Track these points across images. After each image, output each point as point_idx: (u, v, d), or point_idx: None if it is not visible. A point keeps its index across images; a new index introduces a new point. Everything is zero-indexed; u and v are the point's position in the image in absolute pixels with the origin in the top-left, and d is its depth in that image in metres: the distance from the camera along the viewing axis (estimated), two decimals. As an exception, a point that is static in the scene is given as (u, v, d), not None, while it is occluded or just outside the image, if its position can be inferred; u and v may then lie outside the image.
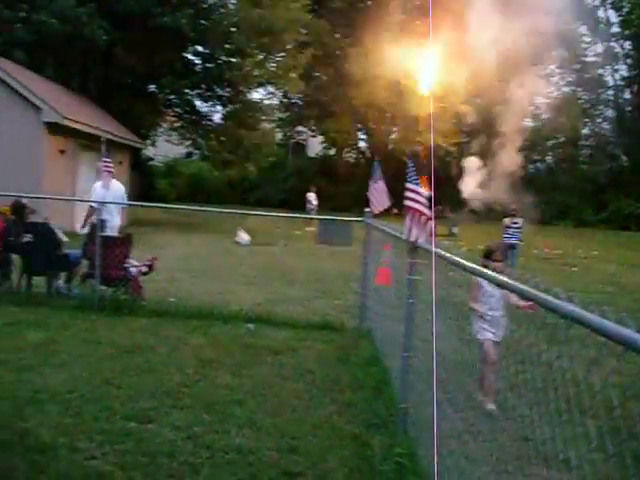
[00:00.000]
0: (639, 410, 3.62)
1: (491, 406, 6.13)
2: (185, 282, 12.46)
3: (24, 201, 10.81)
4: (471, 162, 36.28)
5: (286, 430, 5.60)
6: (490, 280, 3.61)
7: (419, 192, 5.10)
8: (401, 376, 5.64)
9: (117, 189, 11.53)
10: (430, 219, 5.00)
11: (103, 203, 10.53)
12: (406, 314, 5.40)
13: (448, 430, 4.50)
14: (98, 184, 11.39)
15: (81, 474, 4.53)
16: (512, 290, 3.25)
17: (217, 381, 6.80)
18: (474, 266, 3.70)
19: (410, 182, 5.15)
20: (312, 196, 31.75)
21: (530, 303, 5.37)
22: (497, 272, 3.81)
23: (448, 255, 4.22)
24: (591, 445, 3.13)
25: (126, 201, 11.95)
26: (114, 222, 11.12)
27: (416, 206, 5.05)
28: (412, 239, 5.18)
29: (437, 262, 4.42)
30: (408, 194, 5.14)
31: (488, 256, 6.59)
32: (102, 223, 10.13)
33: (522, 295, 3.03)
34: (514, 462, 4.12)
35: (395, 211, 9.96)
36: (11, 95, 19.87)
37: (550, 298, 2.57)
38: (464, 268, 3.82)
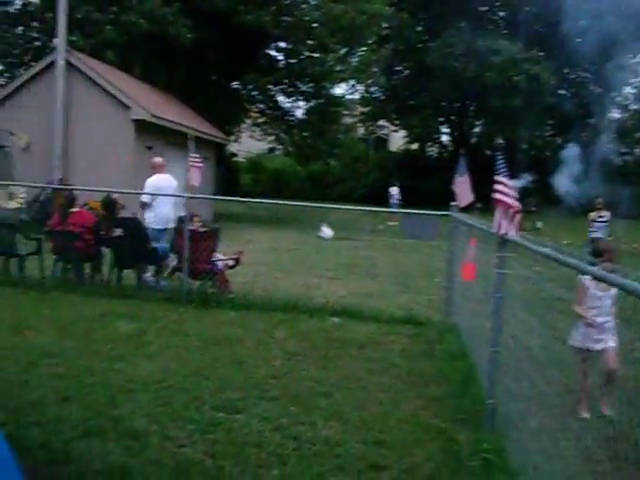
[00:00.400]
0: None
1: (585, 414, 5.95)
2: (270, 276, 12.59)
3: (114, 197, 11.13)
4: (563, 154, 35.51)
5: (372, 423, 5.60)
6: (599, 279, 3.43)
7: (508, 184, 5.02)
8: (489, 371, 5.56)
9: (172, 182, 11.86)
10: (519, 212, 4.91)
11: (191, 197, 10.72)
12: (494, 309, 5.32)
13: (537, 427, 4.43)
14: (151, 179, 11.68)
15: (172, 461, 4.64)
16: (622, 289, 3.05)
17: (303, 374, 6.85)
18: (568, 260, 3.61)
19: (499, 174, 5.08)
20: (395, 191, 31.62)
21: None
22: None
23: (544, 250, 4.12)
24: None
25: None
26: (168, 214, 11.35)
27: (505, 199, 4.97)
28: (501, 232, 5.10)
29: (526, 257, 4.34)
30: (497, 186, 5.06)
31: (596, 257, 6.15)
32: (190, 217, 10.33)
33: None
34: (606, 463, 4.03)
35: (479, 205, 9.85)
36: (102, 95, 20.43)
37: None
38: (566, 265, 3.71)
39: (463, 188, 9.06)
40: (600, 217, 16.12)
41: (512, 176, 5.18)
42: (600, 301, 5.98)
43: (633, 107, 48.25)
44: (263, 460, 4.77)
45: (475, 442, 5.22)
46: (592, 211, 16.59)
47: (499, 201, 5.05)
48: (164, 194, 11.28)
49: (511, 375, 5.19)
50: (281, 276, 12.79)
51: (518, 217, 4.92)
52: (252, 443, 5.03)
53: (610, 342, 6.01)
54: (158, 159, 12.25)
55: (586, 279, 5.87)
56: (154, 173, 11.82)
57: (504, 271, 5.20)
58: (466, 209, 9.38)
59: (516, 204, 4.95)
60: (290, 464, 4.73)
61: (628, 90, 48.45)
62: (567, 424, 4.40)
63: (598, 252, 6.26)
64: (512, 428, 5.00)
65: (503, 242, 5.18)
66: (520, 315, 4.95)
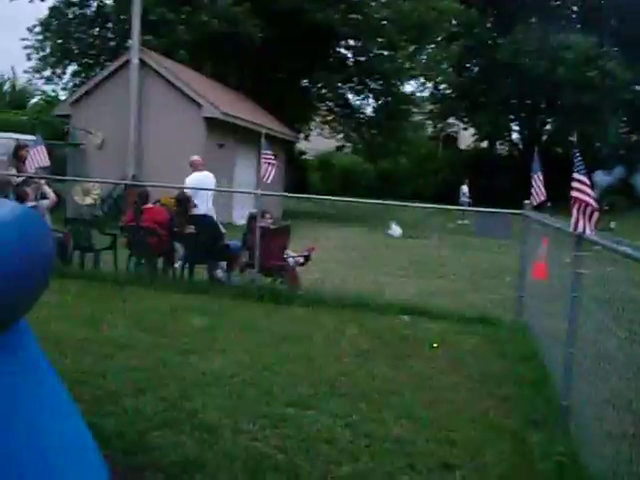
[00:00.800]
0: None
1: None
2: (339, 273, 12.61)
3: (187, 193, 11.32)
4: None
5: (443, 422, 5.57)
6: None
7: (586, 182, 4.94)
8: (564, 373, 5.48)
9: (211, 179, 12.11)
10: (597, 210, 4.83)
11: (263, 194, 10.83)
12: (570, 309, 5.24)
13: (613, 432, 4.33)
14: (190, 178, 11.88)
15: (245, 454, 4.69)
16: None
17: (373, 371, 6.85)
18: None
19: (577, 172, 5.00)
20: (465, 189, 31.34)
21: None
22: None
23: (622, 249, 4.04)
24: None
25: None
26: (203, 208, 11.51)
27: (583, 197, 4.90)
28: (579, 230, 5.02)
29: (602, 256, 4.26)
30: (575, 184, 4.99)
31: None
32: (262, 214, 10.45)
33: None
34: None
35: (549, 204, 9.71)
36: (175, 93, 20.83)
37: None
38: None
39: (537, 186, 8.95)
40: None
41: (589, 174, 5.09)
42: None
43: None
44: (334, 456, 4.79)
45: (548, 444, 5.14)
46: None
47: (577, 199, 4.97)
48: (208, 189, 11.64)
49: (586, 377, 5.10)
50: (351, 273, 12.79)
51: (596, 215, 4.84)
52: (323, 439, 5.05)
53: None
54: (196, 157, 12.51)
55: None
56: (193, 171, 12.06)
57: (580, 270, 5.12)
58: (538, 207, 9.26)
59: (594, 202, 4.86)
60: (361, 461, 4.74)
61: None
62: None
63: None
64: (587, 431, 4.91)
65: (580, 241, 5.10)
66: (597, 316, 4.85)
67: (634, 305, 4.15)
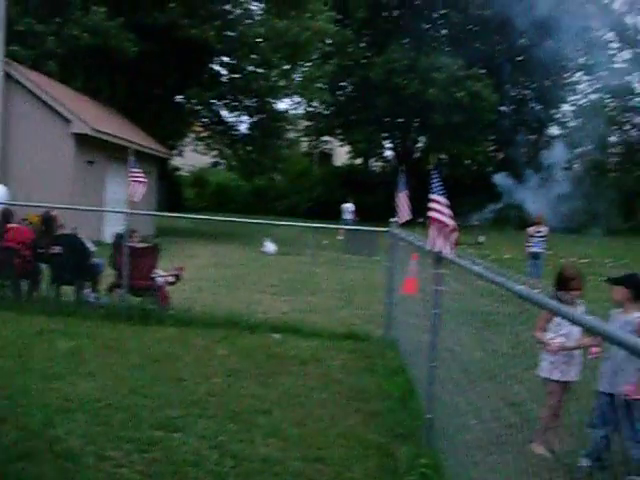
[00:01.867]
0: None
1: (540, 451, 5.42)
2: (211, 292, 12.53)
3: (54, 213, 10.97)
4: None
5: (311, 440, 5.61)
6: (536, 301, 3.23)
7: (443, 202, 5.11)
8: (427, 386, 5.63)
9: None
10: (454, 230, 5.00)
11: (131, 213, 10.63)
12: (431, 325, 5.40)
13: (474, 442, 4.49)
14: None
15: (108, 482, 4.58)
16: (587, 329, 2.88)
17: (243, 391, 6.83)
18: (496, 278, 3.70)
19: (434, 192, 5.17)
20: (349, 207, 31.58)
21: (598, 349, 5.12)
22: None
23: (475, 268, 4.21)
24: None
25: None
26: None
27: (440, 217, 5.06)
28: (436, 250, 5.19)
29: (462, 274, 4.42)
30: (432, 204, 5.16)
31: (563, 286, 5.39)
32: (130, 233, 10.25)
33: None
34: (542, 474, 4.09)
35: (421, 220, 9.99)
36: (42, 107, 20.15)
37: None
38: (490, 281, 3.81)
39: (403, 204, 9.19)
40: (538, 232, 16.35)
41: (448, 194, 5.26)
42: (567, 329, 5.31)
43: (571, 124, 49.58)
44: (201, 478, 4.74)
45: (413, 457, 5.26)
46: (531, 225, 16.83)
47: (434, 219, 5.14)
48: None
49: (448, 390, 5.26)
50: (223, 292, 12.74)
51: (454, 235, 5.01)
52: (190, 462, 5.00)
53: (573, 374, 5.48)
54: None
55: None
56: None
57: (441, 287, 5.29)
58: (408, 224, 9.50)
59: (451, 222, 5.03)
60: (227, 482, 4.72)
61: (566, 107, 49.84)
62: (503, 439, 4.46)
63: (564, 281, 5.44)
64: (449, 443, 5.06)
65: (439, 259, 5.27)
66: (456, 330, 5.03)
67: (485, 319, 4.33)
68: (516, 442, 4.74)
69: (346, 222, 29.67)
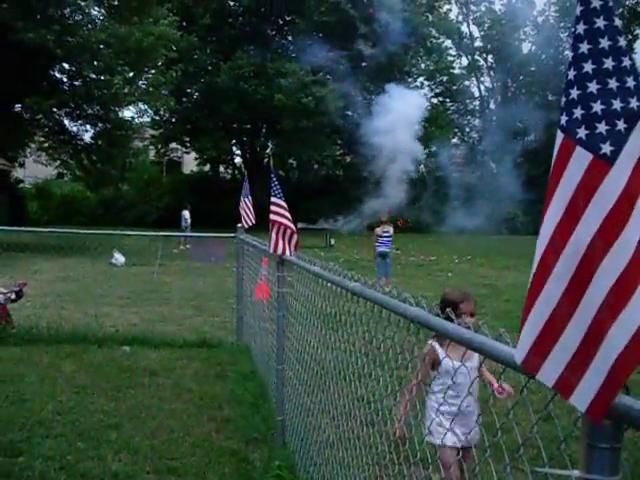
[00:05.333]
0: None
1: None
2: (58, 307, 12.10)
3: None
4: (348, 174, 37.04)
5: (164, 451, 5.54)
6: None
7: (284, 206, 5.17)
8: (277, 389, 5.69)
9: None
10: (295, 232, 5.08)
11: None
12: (277, 327, 5.45)
13: (324, 439, 4.56)
14: None
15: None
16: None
17: (92, 407, 6.65)
18: (333, 277, 3.79)
19: (274, 196, 5.23)
20: (187, 214, 31.31)
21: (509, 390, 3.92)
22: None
23: (313, 268, 4.29)
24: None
25: None
26: None
27: (281, 220, 5.13)
28: (278, 252, 5.24)
29: (303, 275, 4.49)
30: (273, 208, 5.21)
31: (452, 309, 3.22)
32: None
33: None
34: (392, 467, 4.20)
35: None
36: None
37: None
38: (327, 280, 3.90)
39: (247, 209, 9.24)
40: (385, 232, 16.81)
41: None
42: (458, 377, 3.67)
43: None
44: (47, 502, 4.58)
45: (267, 460, 5.31)
46: (378, 226, 17.27)
47: (275, 222, 5.20)
48: None
49: (298, 391, 5.32)
50: (70, 307, 12.33)
51: (295, 238, 5.09)
52: (34, 485, 4.82)
53: (473, 436, 3.88)
54: None
55: (435, 342, 4.07)
56: None
57: (283, 290, 5.35)
58: (254, 229, 9.54)
59: (291, 225, 5.11)
60: (76, 503, 4.58)
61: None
62: (355, 435, 4.55)
63: (452, 304, 3.84)
64: (302, 443, 5.12)
65: (282, 262, 5.34)
66: (304, 332, 5.10)
67: (325, 318, 4.42)
68: (367, 437, 4.86)
69: (184, 230, 29.50)
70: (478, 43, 55.65)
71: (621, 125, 1.27)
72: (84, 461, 5.28)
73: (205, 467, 5.29)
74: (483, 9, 55.24)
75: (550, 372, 1.38)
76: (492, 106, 56.04)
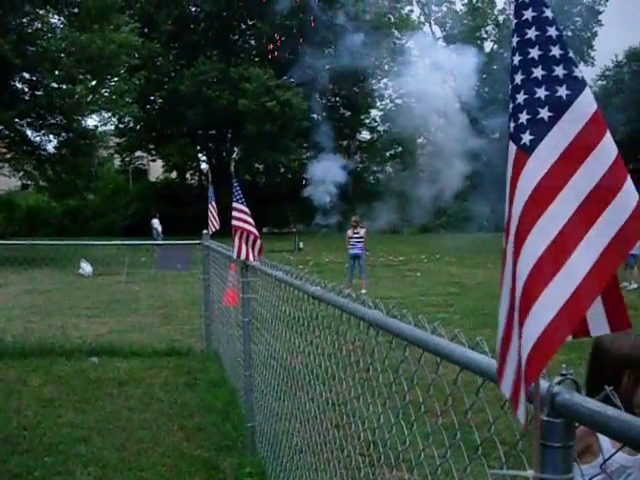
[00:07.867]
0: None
1: None
2: (23, 320, 11.93)
3: None
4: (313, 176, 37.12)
5: (134, 463, 5.48)
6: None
7: (246, 211, 5.15)
8: (246, 395, 5.65)
9: None
10: (258, 238, 5.05)
11: None
12: (243, 333, 5.42)
13: (293, 444, 4.54)
14: None
15: None
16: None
17: (59, 420, 6.55)
18: (294, 281, 3.77)
19: (236, 201, 5.20)
20: (156, 222, 31.21)
21: None
22: None
23: (275, 273, 4.27)
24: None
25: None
26: None
27: (244, 225, 5.10)
28: (242, 258, 5.22)
29: (267, 280, 4.47)
30: (235, 213, 5.18)
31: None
32: None
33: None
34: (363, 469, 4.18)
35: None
36: None
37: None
38: (289, 285, 3.88)
39: (212, 215, 9.21)
40: (356, 233, 16.88)
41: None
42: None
43: (381, 128, 51.70)
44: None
45: (238, 467, 5.28)
46: (349, 228, 17.38)
47: (237, 228, 5.17)
48: None
49: (267, 397, 5.29)
50: (36, 319, 12.16)
51: (259, 243, 5.06)
52: (-1, 505, 4.74)
53: None
54: None
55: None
56: None
57: (248, 295, 5.32)
58: (220, 235, 9.50)
59: (254, 230, 5.08)
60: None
61: (375, 113, 51.96)
62: (327, 438, 4.52)
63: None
64: (272, 449, 5.09)
65: (245, 267, 5.31)
66: (267, 338, 5.08)
67: (289, 323, 4.40)
68: (334, 441, 4.85)
69: (156, 238, 29.36)
70: (441, 43, 55.98)
71: (544, 113, 1.25)
72: (52, 476, 5.20)
73: (175, 477, 5.24)
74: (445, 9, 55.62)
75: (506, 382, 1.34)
76: (457, 106, 56.36)
